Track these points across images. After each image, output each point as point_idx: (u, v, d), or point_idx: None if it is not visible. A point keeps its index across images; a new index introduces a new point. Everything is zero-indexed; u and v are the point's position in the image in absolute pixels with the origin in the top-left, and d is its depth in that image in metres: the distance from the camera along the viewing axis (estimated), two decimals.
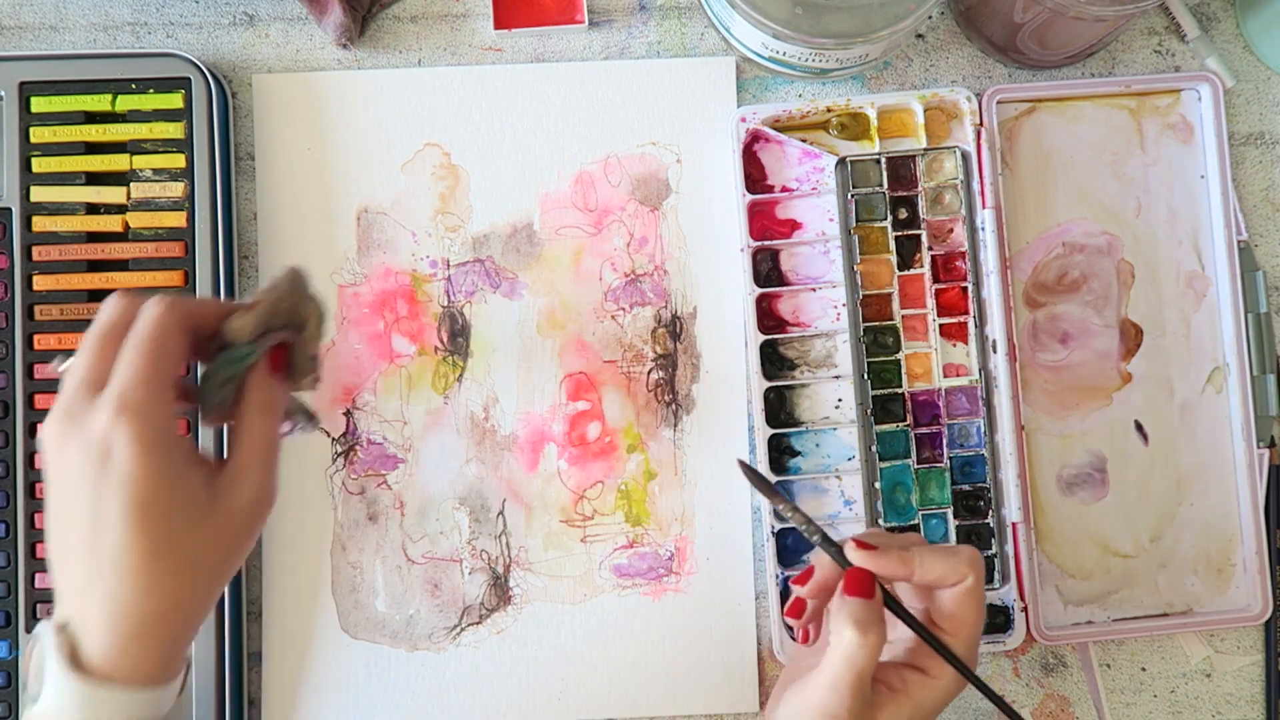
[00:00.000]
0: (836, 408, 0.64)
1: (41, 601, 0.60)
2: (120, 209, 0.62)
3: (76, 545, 0.43)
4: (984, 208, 0.63)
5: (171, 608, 0.44)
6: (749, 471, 0.52)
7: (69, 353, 0.46)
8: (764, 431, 0.63)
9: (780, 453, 0.64)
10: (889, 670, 0.50)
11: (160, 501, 0.43)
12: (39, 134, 0.62)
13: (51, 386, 0.61)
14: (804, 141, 0.64)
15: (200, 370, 0.48)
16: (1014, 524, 0.62)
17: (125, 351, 0.44)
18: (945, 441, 0.63)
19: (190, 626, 0.45)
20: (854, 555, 0.49)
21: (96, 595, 0.43)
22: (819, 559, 0.51)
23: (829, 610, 0.50)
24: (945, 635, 0.49)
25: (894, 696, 0.49)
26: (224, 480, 0.46)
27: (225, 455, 0.47)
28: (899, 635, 0.51)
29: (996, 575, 0.63)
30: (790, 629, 0.62)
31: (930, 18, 0.66)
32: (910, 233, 0.64)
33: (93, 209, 0.62)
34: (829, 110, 0.64)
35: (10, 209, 0.62)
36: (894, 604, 0.49)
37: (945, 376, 0.64)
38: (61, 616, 0.44)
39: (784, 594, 0.63)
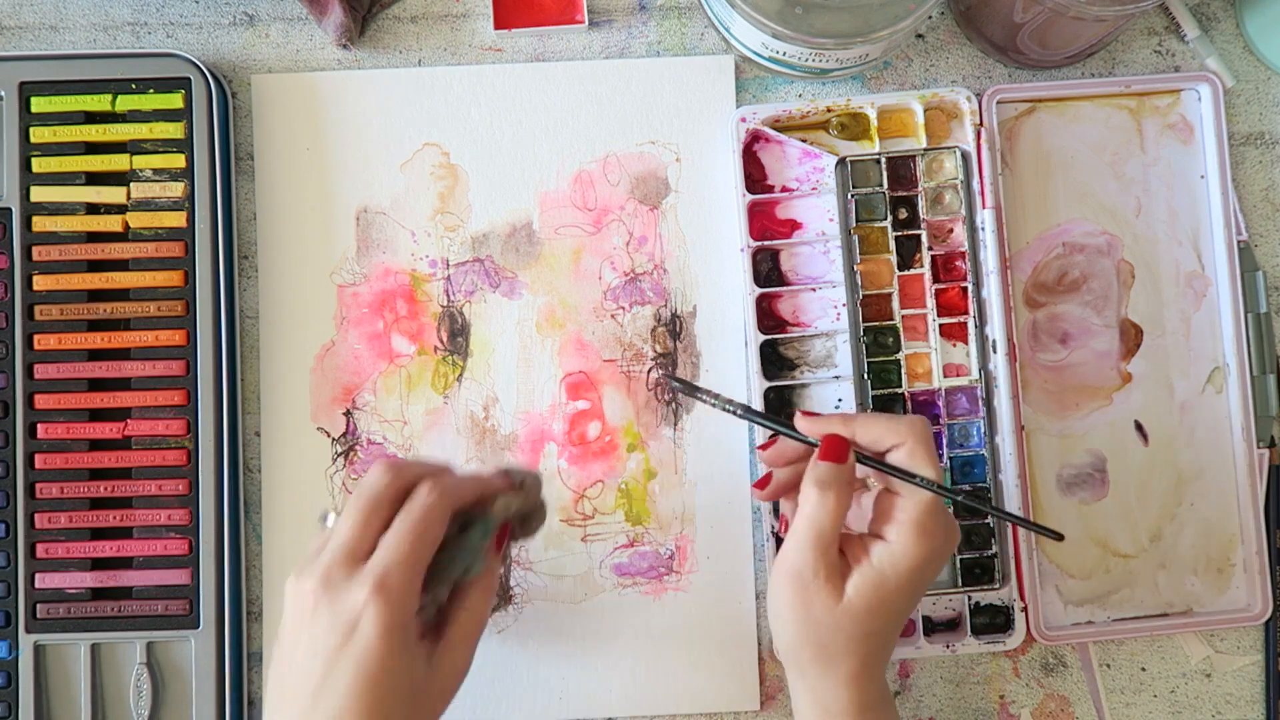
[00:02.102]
0: (836, 408, 0.64)
1: (41, 601, 0.60)
2: (120, 209, 0.62)
3: (298, 695, 0.46)
4: (984, 208, 0.63)
5: None
6: (678, 382, 0.56)
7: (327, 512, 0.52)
8: (764, 432, 0.63)
9: None
10: (854, 541, 0.52)
11: (386, 681, 0.45)
12: (39, 134, 0.62)
13: (52, 387, 0.61)
14: (804, 141, 0.64)
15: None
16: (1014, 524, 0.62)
17: (393, 533, 0.47)
18: (945, 441, 0.63)
19: None
20: (802, 424, 0.53)
21: None
22: (764, 456, 0.56)
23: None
24: (900, 498, 0.52)
25: (858, 565, 0.51)
26: (439, 655, 0.49)
27: (441, 629, 0.50)
28: (862, 513, 0.54)
29: (996, 575, 0.63)
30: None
31: (930, 18, 0.66)
32: (910, 233, 0.64)
33: (93, 209, 0.62)
34: (829, 110, 0.64)
35: (10, 209, 0.62)
36: (864, 457, 0.52)
37: (945, 376, 0.64)
38: None
39: None
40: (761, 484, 0.56)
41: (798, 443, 0.54)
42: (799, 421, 0.53)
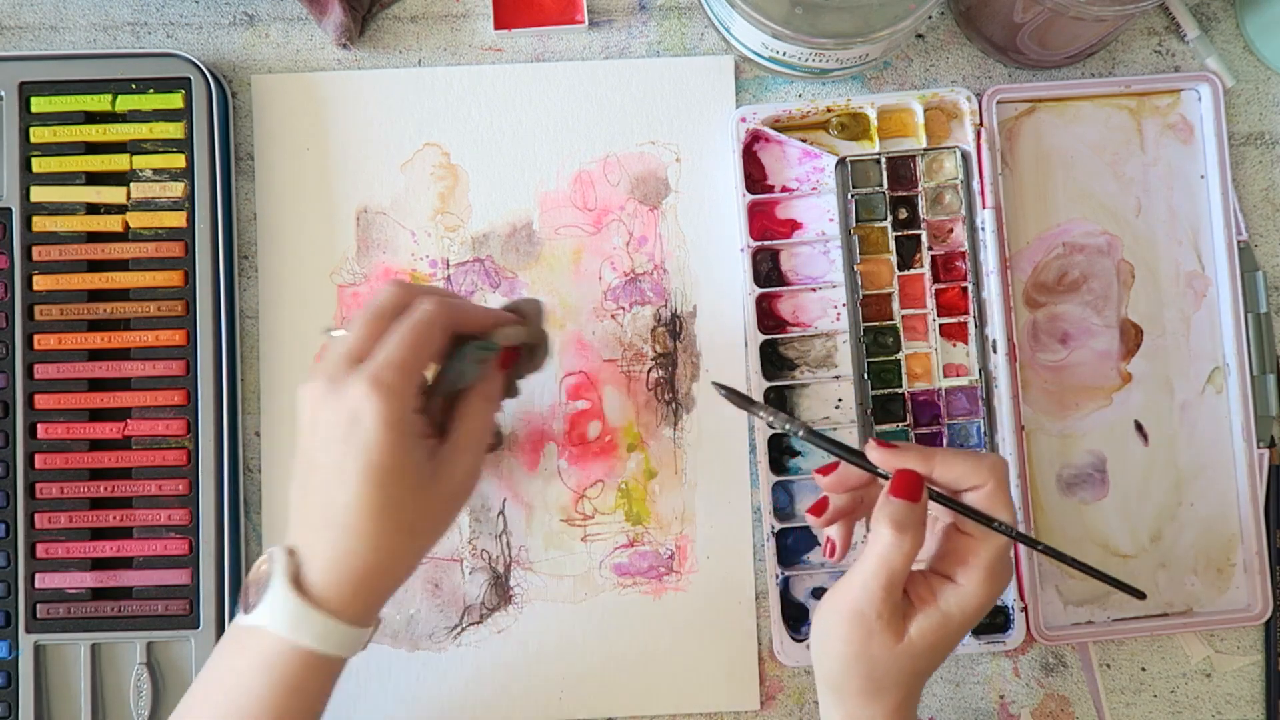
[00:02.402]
0: (836, 408, 0.64)
1: (41, 601, 0.60)
2: (120, 209, 0.62)
3: (317, 489, 0.48)
4: (984, 208, 0.63)
5: (385, 561, 0.49)
6: (733, 395, 0.53)
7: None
8: (764, 431, 0.63)
9: (780, 453, 0.64)
10: (918, 580, 0.51)
11: (391, 469, 0.47)
12: (39, 134, 0.62)
13: (52, 387, 0.61)
14: (804, 141, 0.64)
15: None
16: None
17: (391, 335, 0.49)
18: (945, 442, 0.63)
19: (396, 581, 0.50)
20: (875, 455, 0.51)
21: (325, 536, 0.48)
22: (824, 483, 0.53)
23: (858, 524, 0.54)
24: (974, 540, 0.50)
25: (924, 606, 0.50)
26: (443, 455, 0.50)
27: (446, 433, 0.52)
28: (928, 552, 0.52)
29: None
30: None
31: (930, 18, 0.66)
32: (910, 233, 0.64)
33: (93, 209, 0.62)
34: (829, 110, 0.64)
35: (10, 209, 0.62)
36: (940, 495, 0.50)
37: (945, 376, 0.64)
38: (291, 543, 0.49)
39: (784, 594, 0.63)
40: (817, 510, 0.53)
41: (861, 470, 0.52)
42: (872, 451, 0.51)
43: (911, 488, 0.49)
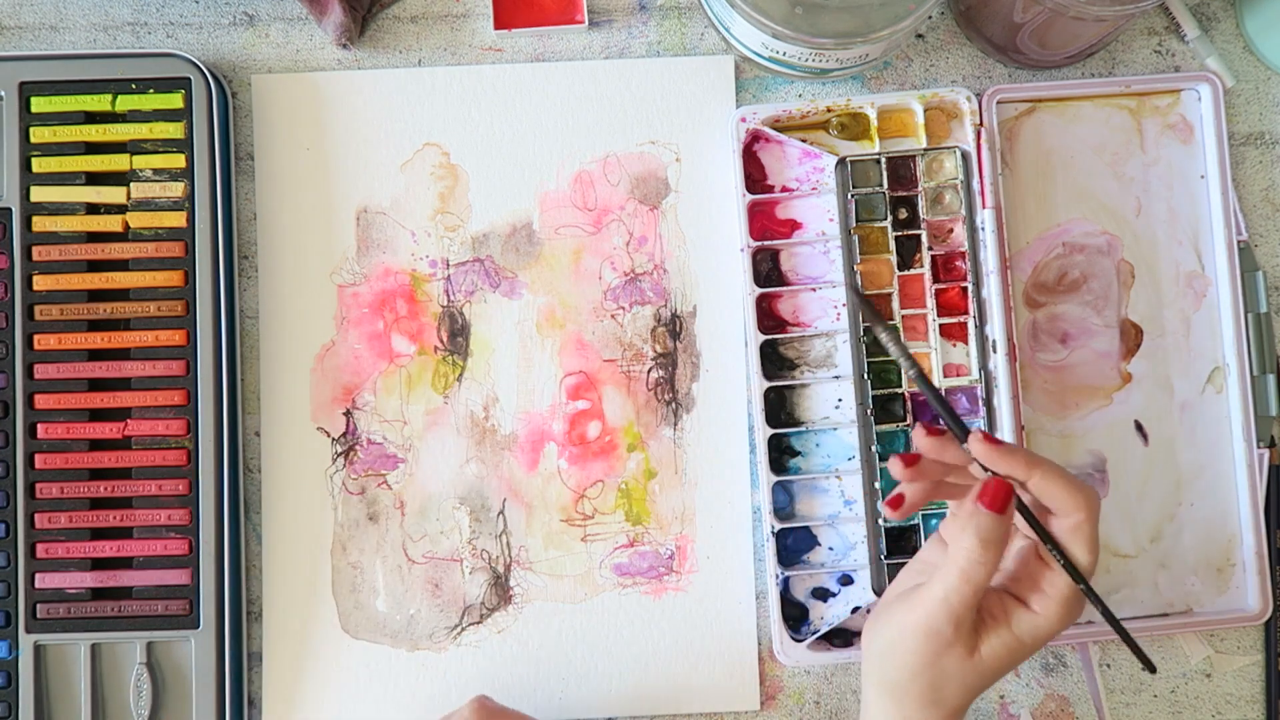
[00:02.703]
0: (836, 408, 0.64)
1: (41, 601, 0.60)
2: (120, 209, 0.62)
3: None
4: (984, 208, 0.63)
5: None
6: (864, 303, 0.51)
7: None
8: (764, 431, 0.63)
9: (780, 453, 0.64)
10: (991, 597, 0.50)
11: None
12: (39, 134, 0.62)
13: (52, 387, 0.61)
14: (804, 141, 0.64)
15: None
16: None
17: None
18: None
19: None
20: (979, 449, 0.48)
21: None
22: (924, 445, 0.49)
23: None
24: (1054, 570, 0.49)
25: (995, 625, 0.49)
26: None
27: None
28: (1003, 566, 0.51)
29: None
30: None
31: (930, 18, 0.66)
32: (910, 233, 0.64)
33: (93, 209, 0.62)
34: (829, 110, 0.64)
35: (10, 209, 0.62)
36: (1031, 518, 0.48)
37: (945, 376, 0.63)
38: None
39: (784, 594, 0.63)
40: (895, 503, 0.50)
41: (943, 465, 0.50)
42: (976, 444, 0.48)
43: (1001, 500, 0.47)
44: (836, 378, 0.64)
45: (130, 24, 0.66)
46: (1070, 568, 0.48)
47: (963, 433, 0.49)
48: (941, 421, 0.50)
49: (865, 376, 0.63)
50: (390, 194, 0.65)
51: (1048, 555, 0.49)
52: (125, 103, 0.62)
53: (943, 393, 0.49)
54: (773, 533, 0.62)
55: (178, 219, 0.62)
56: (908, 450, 0.60)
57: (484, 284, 0.65)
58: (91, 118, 0.62)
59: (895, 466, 0.50)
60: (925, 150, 0.64)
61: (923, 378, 0.49)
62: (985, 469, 0.49)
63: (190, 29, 0.66)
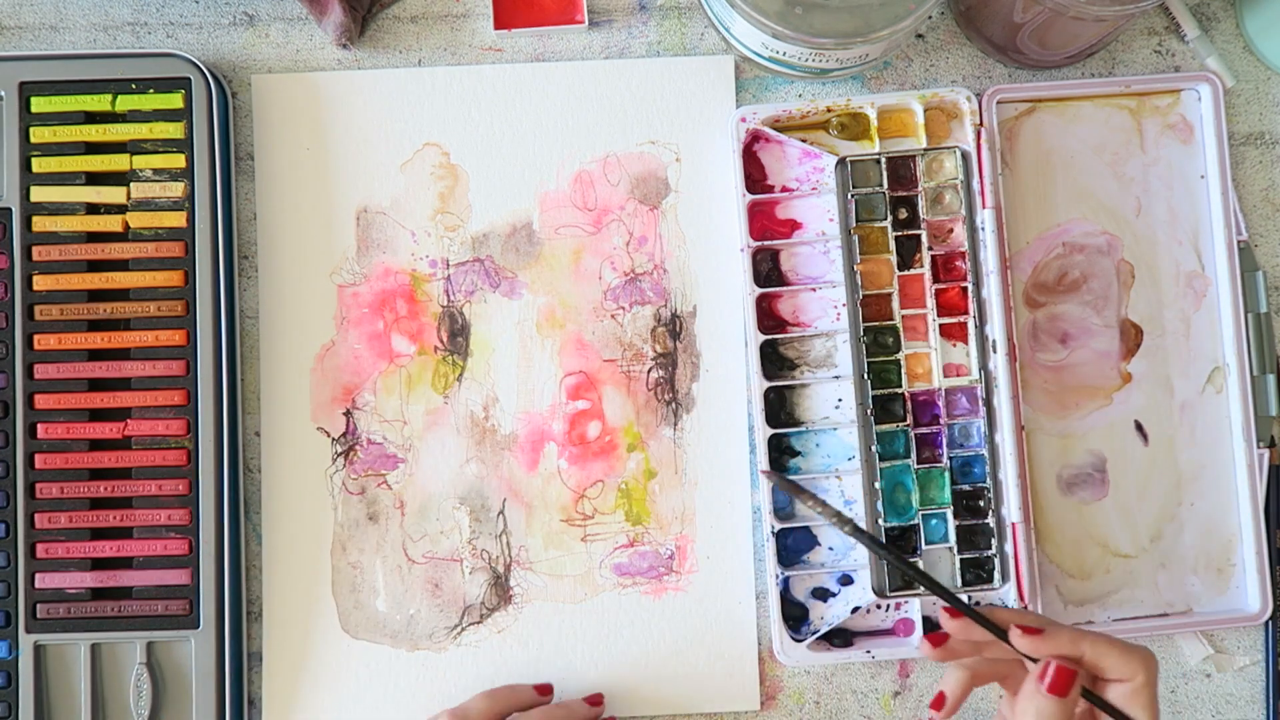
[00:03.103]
0: (836, 408, 0.64)
1: (41, 601, 0.60)
2: (120, 209, 0.62)
3: None
4: (984, 208, 0.63)
5: None
6: (787, 484, 0.52)
7: None
8: (764, 431, 0.63)
9: (780, 453, 0.64)
10: None
11: None
12: (39, 134, 0.62)
13: (52, 387, 0.61)
14: (804, 141, 0.64)
15: None
16: (1014, 524, 0.62)
17: None
18: (945, 441, 0.63)
19: None
20: (1023, 644, 0.48)
21: None
22: (950, 626, 0.50)
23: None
24: None
25: None
26: None
27: None
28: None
29: (996, 575, 0.63)
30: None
31: (930, 18, 0.66)
32: (910, 233, 0.64)
33: (93, 209, 0.62)
34: (829, 110, 0.64)
35: (10, 209, 0.62)
36: (1091, 694, 0.48)
37: (945, 376, 0.63)
38: None
39: (784, 594, 0.63)
40: (937, 704, 0.51)
41: (975, 644, 0.50)
42: (1019, 640, 0.48)
43: (1066, 684, 0.47)
44: (836, 378, 0.64)
45: (130, 24, 0.66)
46: None
47: (999, 630, 0.48)
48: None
49: (865, 376, 0.63)
50: (390, 194, 0.65)
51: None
52: (125, 103, 0.62)
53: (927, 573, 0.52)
54: (773, 533, 0.62)
55: (178, 219, 0.62)
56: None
57: (484, 284, 0.65)
58: (91, 118, 0.62)
59: (925, 648, 0.50)
60: (925, 150, 0.64)
61: (974, 612, 0.49)
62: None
63: (190, 29, 0.66)
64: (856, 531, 0.50)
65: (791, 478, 0.62)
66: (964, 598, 0.62)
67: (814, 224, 0.64)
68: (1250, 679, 0.64)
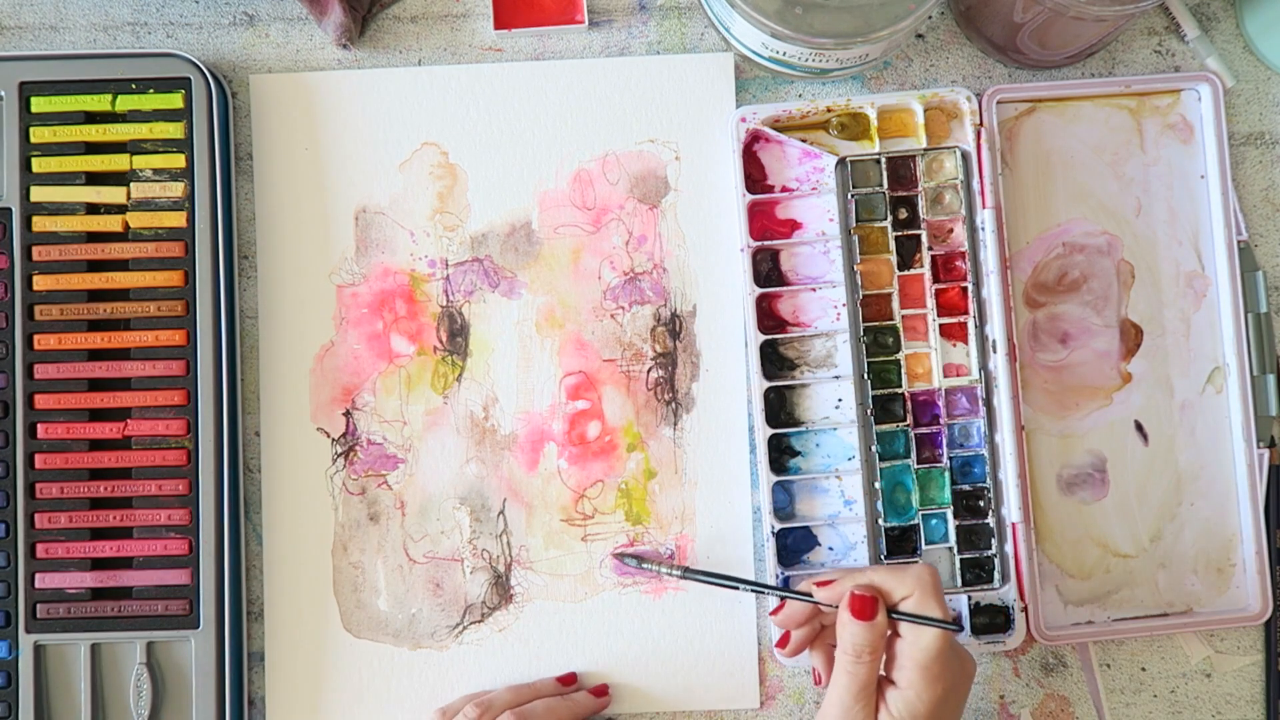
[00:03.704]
0: (836, 408, 0.64)
1: (41, 601, 0.61)
2: (120, 209, 0.62)
3: None
4: (984, 208, 0.63)
5: None
6: (694, 573, 0.61)
7: None
8: (764, 431, 0.63)
9: (780, 453, 0.64)
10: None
11: None
12: (39, 134, 0.62)
13: (52, 387, 0.61)
14: (804, 141, 0.64)
15: None
16: (1014, 524, 0.62)
17: None
18: (945, 441, 0.63)
19: None
20: (823, 594, 0.56)
21: None
22: (779, 621, 0.58)
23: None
24: (903, 640, 0.53)
25: (881, 713, 0.54)
26: None
27: None
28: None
29: (996, 575, 0.63)
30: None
31: (930, 18, 0.66)
32: (910, 233, 0.64)
33: (93, 209, 0.63)
34: (829, 110, 0.64)
35: (10, 209, 0.62)
36: (898, 612, 0.54)
37: (945, 376, 0.63)
38: None
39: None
40: (783, 644, 0.59)
41: (801, 600, 0.57)
42: (818, 592, 0.56)
43: (869, 608, 0.53)
44: (836, 378, 0.64)
45: (130, 24, 0.66)
46: (939, 623, 0.52)
47: (806, 596, 0.57)
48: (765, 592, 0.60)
49: (865, 376, 0.63)
50: (389, 194, 0.65)
51: (903, 629, 0.53)
52: (125, 103, 0.62)
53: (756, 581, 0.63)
54: (773, 533, 0.62)
55: (178, 219, 0.62)
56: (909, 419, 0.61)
57: (483, 284, 0.65)
58: (91, 118, 0.63)
59: (778, 655, 0.60)
60: (925, 150, 0.64)
61: (745, 582, 0.60)
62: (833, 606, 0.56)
63: (190, 29, 0.66)
64: (687, 574, 0.61)
65: (776, 479, 0.62)
66: (964, 599, 0.63)
67: (814, 224, 0.64)
68: (1250, 679, 0.64)
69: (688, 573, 0.61)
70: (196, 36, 0.65)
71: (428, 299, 0.64)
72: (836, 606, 0.55)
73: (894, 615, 0.53)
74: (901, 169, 0.64)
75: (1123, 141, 0.65)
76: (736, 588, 0.60)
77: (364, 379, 0.64)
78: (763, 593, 0.60)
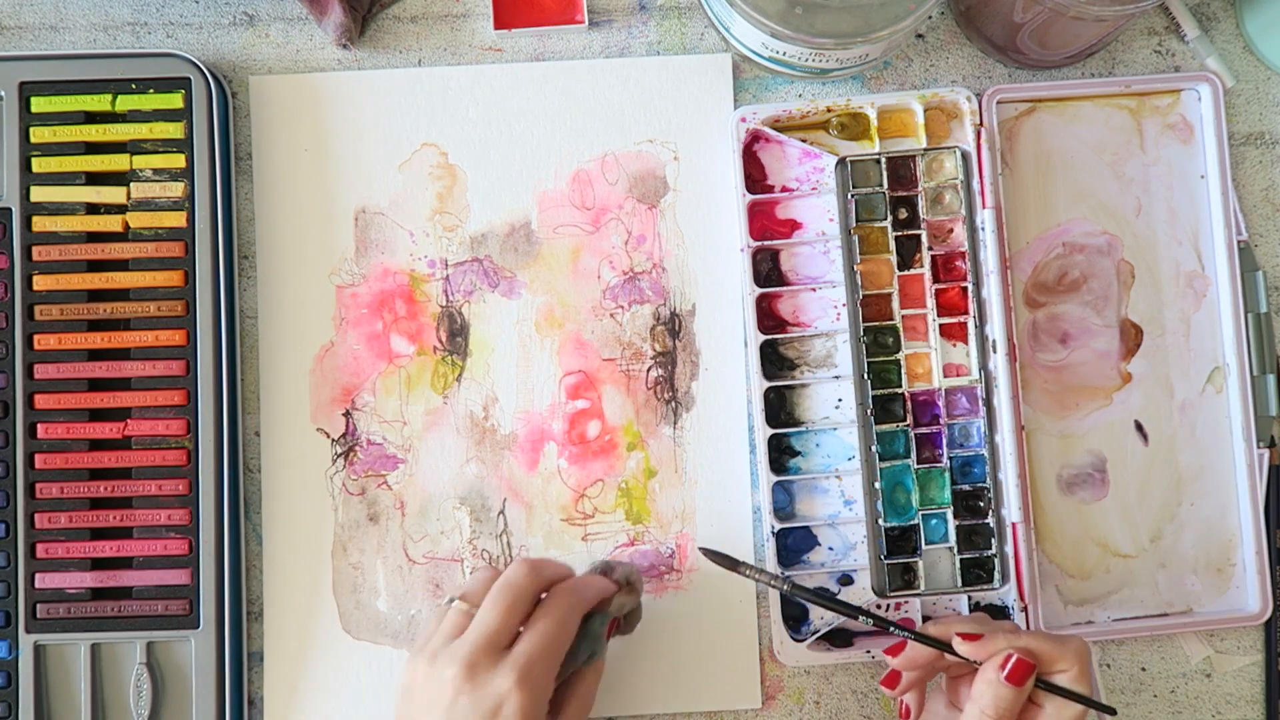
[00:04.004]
0: (836, 408, 0.64)
1: (41, 601, 0.61)
2: (120, 209, 0.62)
3: None
4: (984, 208, 0.63)
5: None
6: (720, 558, 0.57)
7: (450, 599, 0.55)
8: (764, 431, 0.63)
9: (780, 453, 0.64)
10: None
11: None
12: (39, 134, 0.62)
13: (52, 387, 0.61)
14: (804, 141, 0.64)
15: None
16: (1014, 524, 0.62)
17: (536, 627, 0.52)
18: (945, 441, 0.63)
19: None
20: (965, 649, 0.53)
21: None
22: (898, 663, 0.55)
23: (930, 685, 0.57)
24: (1042, 710, 0.53)
25: None
26: None
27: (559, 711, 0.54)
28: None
29: (996, 575, 0.62)
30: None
31: (930, 18, 0.66)
32: (910, 233, 0.64)
33: (93, 209, 0.63)
34: (829, 110, 0.64)
35: (10, 209, 0.62)
36: (1051, 685, 0.53)
37: (945, 376, 0.63)
38: None
39: (785, 598, 0.62)
40: (891, 682, 0.56)
41: (930, 647, 0.54)
42: (961, 646, 0.53)
43: (1025, 675, 0.52)
44: (836, 378, 0.64)
45: (130, 24, 0.66)
46: (1099, 705, 0.53)
47: (943, 645, 0.54)
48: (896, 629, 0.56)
49: (865, 376, 0.63)
50: (388, 194, 0.65)
51: (1043, 697, 0.53)
52: (125, 103, 0.62)
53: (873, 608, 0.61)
54: (773, 533, 0.62)
55: (178, 219, 0.62)
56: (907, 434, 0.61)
57: (483, 284, 0.65)
58: (91, 118, 0.63)
59: (887, 691, 0.56)
60: (925, 150, 0.64)
61: (922, 638, 0.55)
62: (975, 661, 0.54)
63: (190, 29, 0.66)
64: (795, 589, 0.56)
65: (776, 479, 0.62)
66: (963, 599, 0.63)
67: (814, 224, 0.64)
68: (1250, 679, 0.64)
69: (796, 589, 0.56)
70: (196, 36, 0.65)
71: (427, 299, 0.64)
72: (977, 662, 0.53)
73: (1045, 686, 0.52)
74: (901, 169, 0.64)
75: (1123, 141, 0.65)
76: (855, 617, 0.56)
77: (364, 379, 0.64)
78: (889, 629, 0.55)
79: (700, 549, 0.57)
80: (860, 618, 0.56)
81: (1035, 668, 0.52)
